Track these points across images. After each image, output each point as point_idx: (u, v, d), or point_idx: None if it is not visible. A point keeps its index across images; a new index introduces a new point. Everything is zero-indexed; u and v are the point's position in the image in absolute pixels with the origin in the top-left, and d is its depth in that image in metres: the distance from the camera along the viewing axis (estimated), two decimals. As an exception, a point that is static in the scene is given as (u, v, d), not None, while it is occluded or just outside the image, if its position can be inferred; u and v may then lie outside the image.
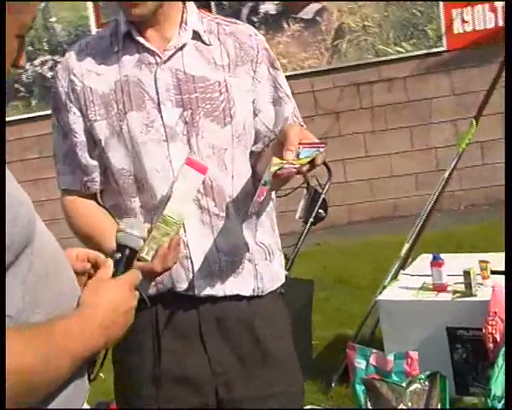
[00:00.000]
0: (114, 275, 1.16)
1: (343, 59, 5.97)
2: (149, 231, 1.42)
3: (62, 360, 0.98)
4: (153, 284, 1.59)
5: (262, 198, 1.37)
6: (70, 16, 6.33)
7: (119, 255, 1.20)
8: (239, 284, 1.62)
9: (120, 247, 1.21)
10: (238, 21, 1.71)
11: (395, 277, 3.06)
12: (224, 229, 1.60)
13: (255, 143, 1.66)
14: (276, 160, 1.39)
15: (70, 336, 1.00)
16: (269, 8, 5.90)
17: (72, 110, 1.61)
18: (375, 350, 2.62)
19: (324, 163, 3.43)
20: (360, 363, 2.61)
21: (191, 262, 1.58)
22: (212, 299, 1.60)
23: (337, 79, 6.03)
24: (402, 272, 3.08)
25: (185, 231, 1.57)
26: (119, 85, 1.58)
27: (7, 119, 6.59)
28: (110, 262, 1.18)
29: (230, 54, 1.61)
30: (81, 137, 1.61)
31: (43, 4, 6.13)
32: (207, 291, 1.60)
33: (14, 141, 6.50)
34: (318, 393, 3.10)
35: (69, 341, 0.99)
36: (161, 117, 1.56)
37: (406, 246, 3.02)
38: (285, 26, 5.93)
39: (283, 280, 1.74)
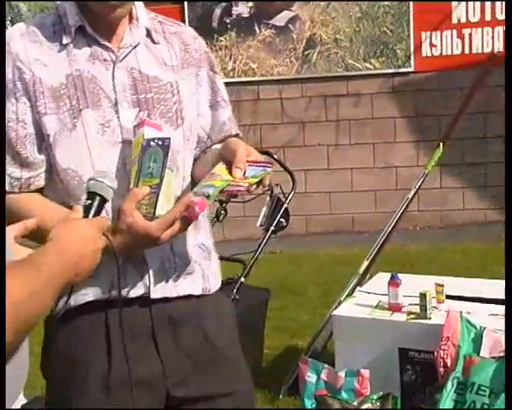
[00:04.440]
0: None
1: (312, 69, 5.98)
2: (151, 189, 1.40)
3: (47, 295, 1.05)
4: (101, 290, 1.51)
5: (204, 212, 1.39)
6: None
7: (88, 202, 1.25)
8: (190, 285, 1.60)
9: (90, 194, 1.26)
10: (180, 23, 1.70)
11: (351, 293, 3.05)
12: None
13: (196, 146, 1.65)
14: (220, 173, 1.41)
15: (53, 272, 1.05)
16: (242, 10, 5.88)
17: (21, 99, 1.47)
18: (327, 365, 2.60)
19: (289, 172, 3.45)
20: (311, 377, 2.58)
21: (147, 267, 1.53)
22: (165, 299, 1.57)
23: (305, 89, 6.04)
24: (359, 288, 3.07)
25: None
26: (71, 80, 1.48)
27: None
28: (79, 207, 1.24)
29: (177, 54, 1.58)
30: (30, 129, 1.49)
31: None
32: (162, 294, 1.56)
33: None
34: (265, 402, 3.08)
35: (53, 277, 1.05)
36: (118, 118, 1.50)
37: (365, 263, 3.02)
38: (257, 30, 5.91)
39: (220, 281, 1.73)
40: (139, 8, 1.56)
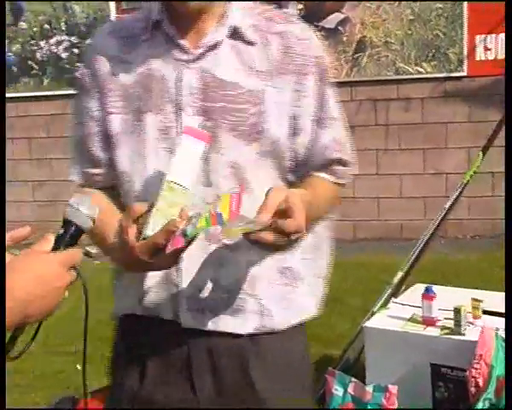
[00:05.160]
0: (55, 251, 1.09)
1: (362, 73, 5.87)
2: (151, 206, 1.23)
3: None
4: (138, 306, 1.40)
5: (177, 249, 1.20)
6: (90, -2, 6.29)
7: (61, 231, 1.12)
8: (236, 323, 1.38)
9: (65, 222, 1.13)
10: (295, 19, 1.43)
11: (385, 304, 2.97)
12: (233, 262, 1.36)
13: (294, 169, 1.41)
14: (222, 207, 1.21)
15: None
16: (292, 12, 5.82)
17: (95, 96, 1.41)
18: (354, 379, 2.53)
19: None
20: (338, 390, 2.52)
21: (178, 292, 1.36)
22: (203, 331, 1.38)
23: (354, 92, 5.94)
24: (393, 299, 2.98)
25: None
26: (141, 79, 1.38)
27: (17, 94, 6.57)
28: (50, 236, 1.10)
29: (273, 58, 1.36)
30: (98, 127, 1.42)
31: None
32: (195, 325, 1.37)
33: (22, 118, 6.46)
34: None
35: None
36: (179, 124, 1.34)
37: (399, 274, 2.92)
38: (307, 33, 5.85)
39: (311, 313, 1.46)
40: (235, 3, 1.38)
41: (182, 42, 1.37)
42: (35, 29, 6.40)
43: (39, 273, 1.03)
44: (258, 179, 1.36)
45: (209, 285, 1.37)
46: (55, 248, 1.10)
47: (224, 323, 1.38)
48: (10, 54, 6.48)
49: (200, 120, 1.35)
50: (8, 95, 6.50)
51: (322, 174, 1.45)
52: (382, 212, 6.05)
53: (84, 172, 1.48)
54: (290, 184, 1.40)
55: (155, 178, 1.33)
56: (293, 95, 1.37)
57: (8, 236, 1.10)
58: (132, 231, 1.24)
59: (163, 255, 1.21)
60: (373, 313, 2.89)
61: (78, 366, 3.49)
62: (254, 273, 1.39)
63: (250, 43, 1.37)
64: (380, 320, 2.83)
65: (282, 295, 1.42)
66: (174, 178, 1.24)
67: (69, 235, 1.12)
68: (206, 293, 1.36)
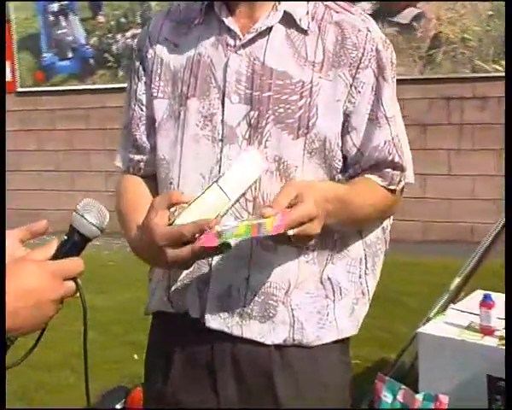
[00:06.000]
0: (55, 258, 1.01)
1: (436, 70, 5.71)
2: (188, 201, 1.20)
3: None
4: (167, 301, 1.36)
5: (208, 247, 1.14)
6: (165, -7, 6.36)
7: (65, 238, 1.04)
8: (264, 330, 1.31)
9: (70, 228, 1.05)
10: (353, 9, 1.34)
11: (443, 310, 2.87)
12: (267, 263, 1.29)
13: (343, 169, 1.34)
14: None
15: None
16: (365, 6, 5.70)
17: (142, 79, 1.39)
18: (404, 386, 2.46)
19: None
20: (386, 397, 2.45)
21: (207, 288, 1.31)
22: (229, 335, 1.33)
23: (428, 90, 5.78)
24: (451, 305, 2.88)
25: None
26: (189, 64, 1.34)
27: (93, 87, 6.72)
28: (54, 243, 1.03)
29: (327, 49, 1.29)
30: (145, 111, 1.39)
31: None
32: (219, 326, 1.32)
33: (98, 109, 6.60)
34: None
35: None
36: (223, 112, 1.30)
37: (457, 279, 2.82)
38: (379, 27, 5.72)
39: (347, 333, 1.37)
40: None
41: (232, 26, 1.32)
42: (112, 22, 6.54)
43: (25, 284, 0.95)
44: (303, 178, 1.28)
45: (239, 285, 1.31)
46: (57, 254, 1.02)
47: (250, 329, 1.32)
48: (88, 46, 6.64)
49: (248, 108, 1.29)
50: (85, 87, 6.67)
51: (373, 176, 1.35)
52: (453, 213, 5.87)
53: (129, 157, 1.45)
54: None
55: (192, 166, 1.30)
56: (348, 89, 1.29)
57: (25, 228, 1.07)
58: (162, 215, 1.20)
59: (182, 251, 1.17)
60: (429, 319, 2.80)
61: (136, 356, 3.55)
62: (290, 279, 1.31)
63: (304, 31, 1.31)
64: (436, 327, 2.73)
65: (318, 308, 1.34)
66: (224, 184, 1.20)
67: (71, 243, 1.04)
68: (235, 293, 1.31)
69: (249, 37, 1.30)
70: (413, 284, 4.77)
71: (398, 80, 5.58)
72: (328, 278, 1.34)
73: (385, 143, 1.33)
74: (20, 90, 6.86)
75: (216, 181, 1.21)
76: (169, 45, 1.37)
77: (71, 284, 1.00)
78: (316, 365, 1.35)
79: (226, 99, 1.30)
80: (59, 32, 6.65)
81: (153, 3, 6.36)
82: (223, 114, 1.30)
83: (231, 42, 1.31)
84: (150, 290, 1.46)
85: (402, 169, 1.36)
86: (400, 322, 3.92)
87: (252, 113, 1.28)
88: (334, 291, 1.34)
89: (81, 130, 6.74)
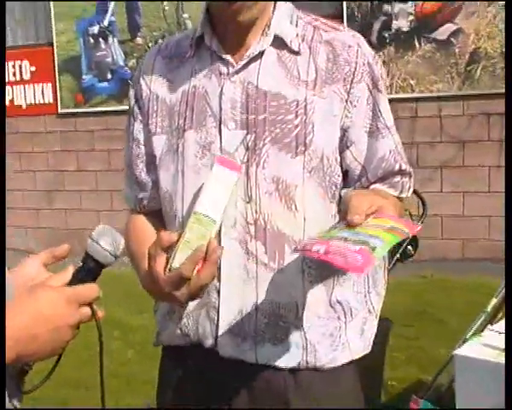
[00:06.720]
0: (72, 284, 1.03)
1: (475, 86, 5.63)
2: (179, 237, 1.20)
3: None
4: (179, 334, 1.36)
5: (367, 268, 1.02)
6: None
7: (80, 264, 1.06)
8: (278, 354, 1.31)
9: (86, 255, 1.07)
10: (341, 27, 1.38)
11: (481, 331, 2.80)
12: (273, 284, 1.29)
13: (344, 184, 1.34)
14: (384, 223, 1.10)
15: None
16: (402, 24, 5.68)
17: (138, 117, 1.42)
18: (439, 409, 2.40)
19: (420, 197, 3.24)
20: (421, 420, 2.39)
21: (218, 315, 1.32)
22: (243, 362, 1.33)
23: (467, 106, 5.70)
24: (489, 327, 2.81)
25: (219, 275, 1.28)
26: (185, 97, 1.35)
27: (125, 108, 6.84)
28: (70, 268, 1.05)
29: (319, 67, 1.31)
30: (142, 149, 1.42)
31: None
32: (234, 354, 1.32)
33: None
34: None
35: None
36: (220, 140, 1.31)
37: (494, 300, 2.75)
38: (416, 44, 5.68)
39: (359, 353, 1.38)
40: (278, 14, 1.33)
41: (224, 55, 1.33)
42: (150, 44, 6.62)
43: (40, 311, 0.96)
44: (303, 196, 1.29)
45: (248, 309, 1.31)
46: (71, 282, 1.04)
47: (263, 354, 1.32)
48: (126, 68, 6.74)
49: (244, 133, 1.30)
50: (123, 108, 6.76)
51: (383, 187, 1.36)
52: (493, 231, 5.76)
53: (133, 195, 1.48)
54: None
55: (195, 197, 1.30)
56: (344, 105, 1.31)
57: (48, 252, 1.09)
58: (160, 261, 1.20)
59: (189, 289, 1.18)
60: (465, 340, 2.73)
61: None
62: (301, 302, 1.31)
63: (295, 52, 1.32)
64: (472, 348, 2.66)
65: (330, 330, 1.34)
66: (203, 209, 1.20)
67: (86, 269, 1.06)
68: (245, 318, 1.31)
69: (242, 63, 1.32)
70: (453, 304, 4.69)
71: (436, 97, 5.56)
72: (338, 301, 1.34)
73: (390, 153, 1.35)
74: (61, 111, 6.99)
75: (195, 210, 1.21)
76: (163, 81, 1.39)
77: (87, 309, 1.02)
78: (330, 387, 1.35)
79: (223, 127, 1.32)
80: (98, 54, 6.77)
81: (190, 25, 6.43)
82: (220, 142, 1.31)
83: (224, 70, 1.33)
84: (158, 322, 1.46)
85: (410, 175, 1.39)
86: (440, 342, 3.85)
87: (248, 136, 1.30)
88: (345, 313, 1.35)
89: (119, 150, 6.83)
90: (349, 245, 1.05)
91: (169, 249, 1.21)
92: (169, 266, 1.19)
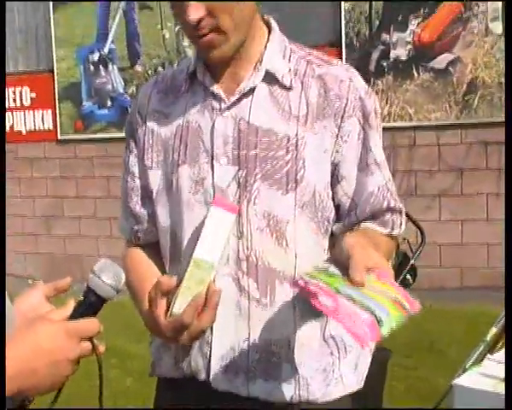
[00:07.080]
0: (73, 318, 1.03)
1: (473, 115, 5.67)
2: (179, 283, 1.20)
3: None
4: (174, 366, 1.38)
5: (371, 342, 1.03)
6: (202, 43, 6.48)
7: (81, 298, 1.06)
8: (270, 390, 1.31)
9: (87, 289, 1.07)
10: (334, 61, 1.38)
11: (480, 360, 2.79)
12: (265, 320, 1.30)
13: (337, 219, 1.35)
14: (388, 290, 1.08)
15: None
16: (400, 53, 5.72)
17: (133, 151, 1.43)
18: (438, 440, 2.38)
19: (418, 226, 3.24)
20: (420, 451, 2.37)
21: (210, 350, 1.32)
22: (236, 395, 1.33)
23: (465, 134, 5.74)
24: (489, 356, 2.79)
25: None
26: (179, 132, 1.36)
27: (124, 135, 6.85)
28: (71, 302, 1.04)
29: (311, 102, 1.30)
30: (137, 182, 1.43)
31: (177, 28, 6.31)
32: (227, 388, 1.33)
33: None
34: None
35: None
36: (213, 175, 1.31)
37: (493, 330, 2.74)
38: (415, 73, 5.72)
39: (352, 388, 1.37)
40: (271, 48, 1.33)
41: (216, 90, 1.34)
42: (149, 72, 6.67)
43: (39, 344, 0.95)
44: (295, 232, 1.29)
45: (241, 345, 1.31)
46: (72, 315, 1.04)
47: (255, 389, 1.31)
48: (126, 95, 6.78)
49: (236, 169, 1.30)
50: (123, 135, 6.78)
51: (373, 225, 1.36)
52: (492, 259, 5.76)
53: (129, 227, 1.49)
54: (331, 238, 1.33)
55: (189, 234, 1.31)
56: (334, 140, 1.31)
57: (51, 284, 1.10)
58: (161, 306, 1.21)
59: (191, 333, 1.19)
60: (465, 370, 2.72)
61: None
62: (289, 335, 1.31)
63: (287, 87, 1.32)
64: (469, 378, 2.64)
65: (324, 366, 1.34)
66: (201, 254, 1.20)
67: (88, 304, 1.06)
68: (237, 353, 1.31)
69: (233, 99, 1.32)
70: (452, 333, 4.67)
71: (434, 126, 5.59)
72: (331, 336, 1.34)
73: (379, 189, 1.34)
74: (60, 138, 7.01)
75: (192, 254, 1.21)
76: (159, 116, 1.40)
77: (87, 344, 1.01)
78: None
79: (215, 162, 1.32)
80: (98, 81, 6.81)
81: (190, 53, 6.48)
82: (213, 178, 1.32)
83: (216, 105, 1.34)
84: (152, 354, 1.47)
85: (400, 212, 1.37)
86: (439, 372, 3.83)
87: (240, 172, 1.30)
88: (338, 348, 1.35)
89: (118, 177, 6.84)
90: (357, 310, 1.05)
91: (169, 293, 1.22)
92: (170, 311, 1.21)
